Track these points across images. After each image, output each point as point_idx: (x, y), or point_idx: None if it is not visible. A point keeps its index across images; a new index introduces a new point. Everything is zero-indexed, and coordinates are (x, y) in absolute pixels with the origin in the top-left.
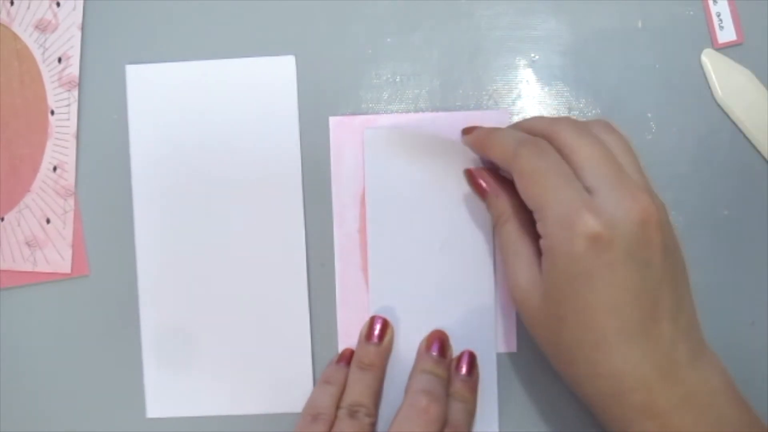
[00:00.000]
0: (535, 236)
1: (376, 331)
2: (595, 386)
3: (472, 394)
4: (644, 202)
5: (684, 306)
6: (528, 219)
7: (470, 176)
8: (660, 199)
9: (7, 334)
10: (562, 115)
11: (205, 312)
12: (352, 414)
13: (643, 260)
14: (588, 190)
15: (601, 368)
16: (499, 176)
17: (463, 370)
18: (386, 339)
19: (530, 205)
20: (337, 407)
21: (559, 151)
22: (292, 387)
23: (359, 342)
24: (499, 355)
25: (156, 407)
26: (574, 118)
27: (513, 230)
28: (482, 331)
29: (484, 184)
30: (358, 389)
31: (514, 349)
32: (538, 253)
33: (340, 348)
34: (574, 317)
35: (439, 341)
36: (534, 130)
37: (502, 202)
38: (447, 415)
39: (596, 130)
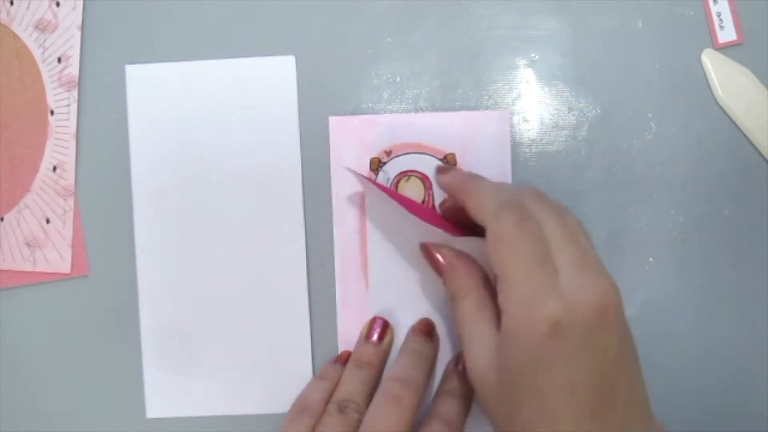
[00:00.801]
0: (493, 312)
1: (376, 332)
2: None
3: (467, 390)
4: (605, 287)
5: (638, 387)
6: (486, 294)
7: (426, 251)
8: (615, 281)
9: (7, 334)
10: (561, 114)
11: (205, 312)
12: (341, 409)
13: (601, 345)
14: (553, 268)
15: None
16: (454, 249)
17: (460, 366)
18: (386, 340)
19: (497, 271)
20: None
21: None
22: (292, 387)
23: (358, 341)
24: None
25: (156, 407)
26: (538, 191)
27: (471, 307)
28: None
29: (440, 260)
30: (350, 385)
31: None
32: (495, 330)
33: (340, 348)
34: (530, 401)
35: (423, 325)
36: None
37: (460, 277)
38: (435, 407)
39: (556, 209)
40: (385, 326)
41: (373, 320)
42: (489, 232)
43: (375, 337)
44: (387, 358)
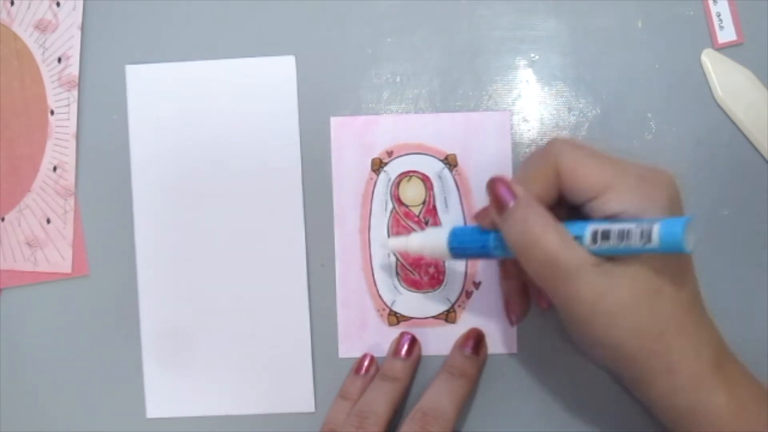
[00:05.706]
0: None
1: (404, 347)
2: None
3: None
4: (660, 167)
5: None
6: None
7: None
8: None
9: (7, 334)
10: (561, 114)
11: (205, 312)
12: (361, 422)
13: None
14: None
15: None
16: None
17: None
18: (414, 355)
19: (591, 190)
20: None
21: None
22: (292, 387)
23: (386, 357)
24: (499, 356)
25: (156, 407)
26: None
27: (541, 210)
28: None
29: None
30: (373, 396)
31: (514, 350)
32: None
33: (340, 348)
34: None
35: (469, 338)
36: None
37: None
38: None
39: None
40: (413, 342)
41: (401, 336)
42: (561, 169)
43: (403, 352)
44: (415, 372)
